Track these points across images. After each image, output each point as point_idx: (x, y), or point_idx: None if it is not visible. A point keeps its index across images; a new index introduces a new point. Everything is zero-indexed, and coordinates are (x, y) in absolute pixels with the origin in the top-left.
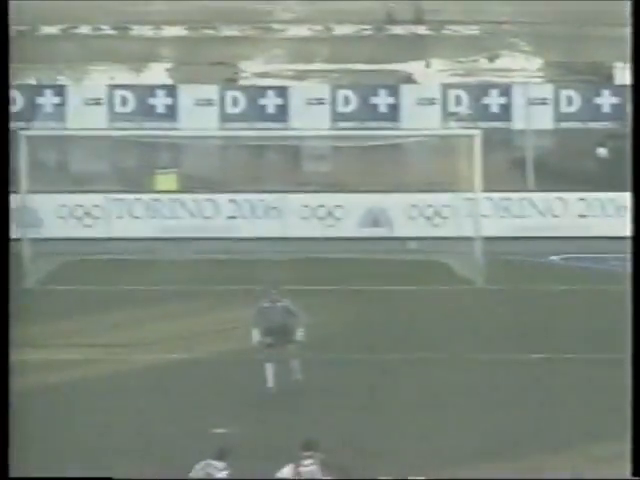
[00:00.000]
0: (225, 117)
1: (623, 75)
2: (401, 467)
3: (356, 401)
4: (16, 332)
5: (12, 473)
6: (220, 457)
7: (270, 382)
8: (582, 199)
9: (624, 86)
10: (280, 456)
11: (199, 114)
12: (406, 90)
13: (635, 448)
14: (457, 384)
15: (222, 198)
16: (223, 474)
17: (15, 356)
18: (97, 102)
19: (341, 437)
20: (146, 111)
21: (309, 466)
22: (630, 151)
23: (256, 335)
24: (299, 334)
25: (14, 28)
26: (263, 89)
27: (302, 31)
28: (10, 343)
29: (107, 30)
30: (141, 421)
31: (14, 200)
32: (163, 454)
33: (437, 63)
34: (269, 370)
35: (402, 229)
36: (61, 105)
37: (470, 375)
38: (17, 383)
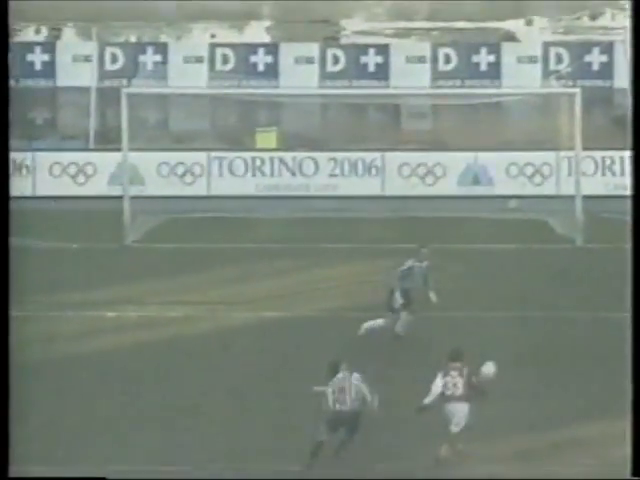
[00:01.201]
0: (325, 75)
1: None
2: None
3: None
4: (117, 290)
5: (12, 473)
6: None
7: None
8: None
9: None
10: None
11: (300, 72)
12: (507, 48)
13: (635, 448)
14: (557, 341)
15: (322, 156)
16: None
17: (116, 313)
18: (198, 60)
19: None
20: (247, 69)
21: (454, 377)
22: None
23: (398, 297)
24: (432, 295)
25: None
26: (364, 47)
27: None
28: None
29: None
30: (240, 381)
31: (116, 157)
32: (259, 413)
33: (538, 21)
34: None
35: (502, 187)
36: (162, 63)
37: (566, 333)
38: (117, 340)
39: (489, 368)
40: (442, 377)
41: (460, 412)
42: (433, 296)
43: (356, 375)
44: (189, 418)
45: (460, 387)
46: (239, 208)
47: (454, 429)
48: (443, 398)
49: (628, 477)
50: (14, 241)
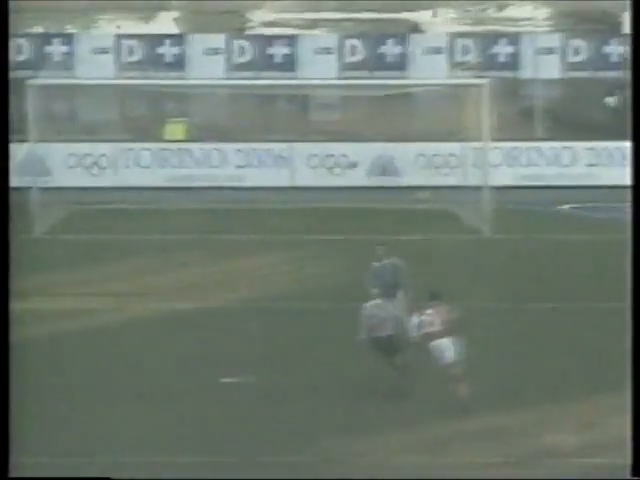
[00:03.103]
0: (233, 66)
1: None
2: None
3: None
4: (23, 281)
5: (12, 473)
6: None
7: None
8: (591, 148)
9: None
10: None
11: (207, 63)
12: (414, 39)
13: (635, 448)
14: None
15: (230, 147)
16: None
17: (22, 305)
18: (105, 51)
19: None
20: (154, 60)
21: (430, 315)
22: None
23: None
24: (408, 291)
25: None
26: (271, 38)
27: None
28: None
29: None
30: (146, 371)
31: (23, 149)
32: (167, 403)
33: (445, 12)
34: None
35: (410, 178)
36: (69, 54)
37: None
38: (23, 332)
39: None
40: (417, 316)
41: (444, 347)
42: (402, 295)
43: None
44: (93, 408)
45: (437, 324)
46: (147, 199)
47: (444, 362)
48: (425, 337)
49: (628, 477)
50: None
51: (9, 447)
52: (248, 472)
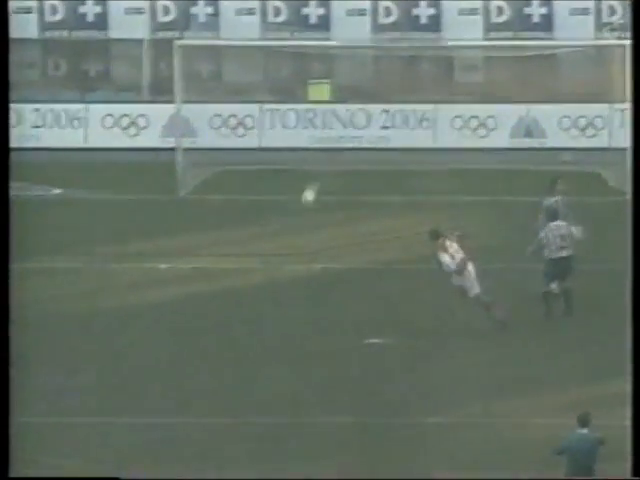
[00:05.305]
0: (378, 27)
1: None
2: None
3: None
4: (170, 242)
5: (12, 473)
6: None
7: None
8: None
9: None
10: None
11: (352, 24)
12: (559, 1)
13: (635, 448)
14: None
15: (375, 108)
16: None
17: (169, 265)
18: (250, 12)
19: None
20: (299, 21)
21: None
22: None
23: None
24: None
25: None
26: (415, 0)
27: None
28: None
29: None
30: (293, 332)
31: (168, 109)
32: (312, 365)
33: None
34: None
35: (555, 140)
36: (215, 15)
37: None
38: (170, 291)
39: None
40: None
41: (465, 281)
42: (577, 231)
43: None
44: (242, 369)
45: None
46: (291, 160)
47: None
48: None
49: (628, 477)
50: (68, 193)
51: (9, 447)
52: (392, 434)
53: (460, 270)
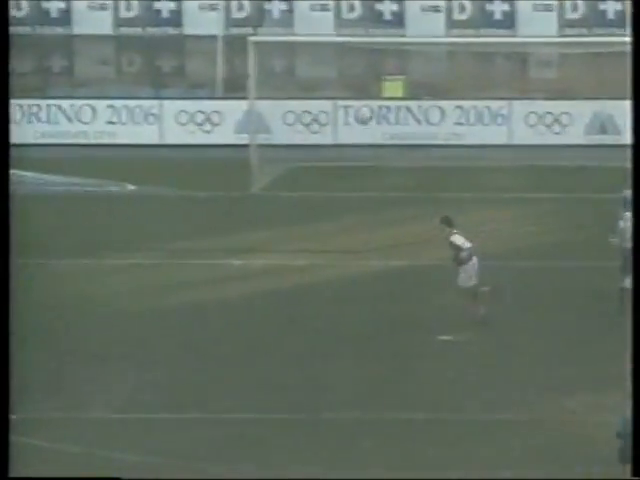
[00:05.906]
0: (452, 24)
1: None
2: None
3: None
4: (244, 238)
5: (13, 472)
6: None
7: None
8: None
9: None
10: None
11: (426, 21)
12: None
13: (635, 448)
14: None
15: (449, 105)
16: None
17: (243, 261)
18: (324, 8)
19: None
20: (373, 17)
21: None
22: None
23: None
24: None
25: None
26: None
27: None
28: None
29: None
30: (367, 329)
31: (242, 106)
32: (385, 360)
33: None
34: None
35: (629, 135)
36: (288, 11)
37: None
38: (243, 288)
39: None
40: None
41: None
42: None
43: None
44: (319, 364)
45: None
46: (365, 157)
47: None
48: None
49: (628, 477)
50: (140, 190)
51: (9, 447)
52: (464, 430)
53: (469, 257)
